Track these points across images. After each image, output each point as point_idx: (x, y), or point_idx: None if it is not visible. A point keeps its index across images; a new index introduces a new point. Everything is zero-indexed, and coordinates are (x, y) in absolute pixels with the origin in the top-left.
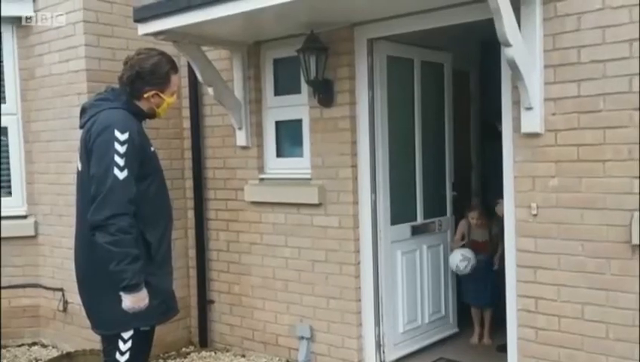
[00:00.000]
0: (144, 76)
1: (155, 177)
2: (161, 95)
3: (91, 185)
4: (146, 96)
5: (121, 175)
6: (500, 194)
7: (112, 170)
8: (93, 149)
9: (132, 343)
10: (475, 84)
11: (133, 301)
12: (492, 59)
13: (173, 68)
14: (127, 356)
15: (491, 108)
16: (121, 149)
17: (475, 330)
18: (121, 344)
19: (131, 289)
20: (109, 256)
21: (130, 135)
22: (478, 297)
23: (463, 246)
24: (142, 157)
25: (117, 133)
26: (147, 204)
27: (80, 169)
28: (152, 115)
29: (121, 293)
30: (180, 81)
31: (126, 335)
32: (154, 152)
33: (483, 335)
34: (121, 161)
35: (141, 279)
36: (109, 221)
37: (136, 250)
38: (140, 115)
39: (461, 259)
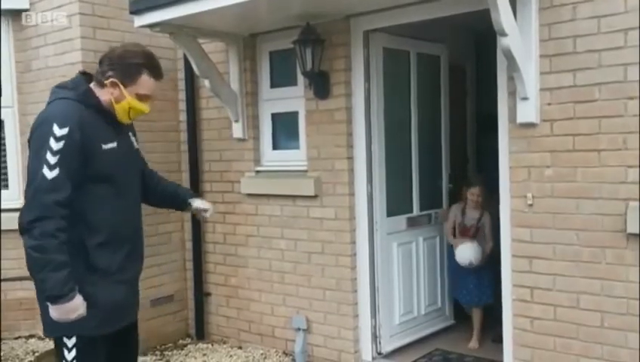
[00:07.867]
0: (111, 57)
1: (112, 179)
2: (122, 88)
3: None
4: (106, 82)
5: (50, 174)
6: (495, 185)
7: (42, 168)
8: (29, 144)
9: (77, 352)
10: (470, 76)
11: (59, 312)
12: (487, 52)
13: (150, 69)
14: None
15: (487, 100)
16: (55, 146)
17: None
18: (65, 352)
19: (54, 299)
20: (32, 262)
21: (69, 130)
22: (480, 294)
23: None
24: (85, 155)
25: (54, 128)
26: (97, 207)
27: None
28: (111, 112)
29: (47, 303)
30: (156, 90)
31: (69, 342)
32: (112, 150)
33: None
34: (52, 159)
35: (66, 289)
36: (33, 224)
37: (62, 256)
38: (100, 110)
39: (476, 253)
